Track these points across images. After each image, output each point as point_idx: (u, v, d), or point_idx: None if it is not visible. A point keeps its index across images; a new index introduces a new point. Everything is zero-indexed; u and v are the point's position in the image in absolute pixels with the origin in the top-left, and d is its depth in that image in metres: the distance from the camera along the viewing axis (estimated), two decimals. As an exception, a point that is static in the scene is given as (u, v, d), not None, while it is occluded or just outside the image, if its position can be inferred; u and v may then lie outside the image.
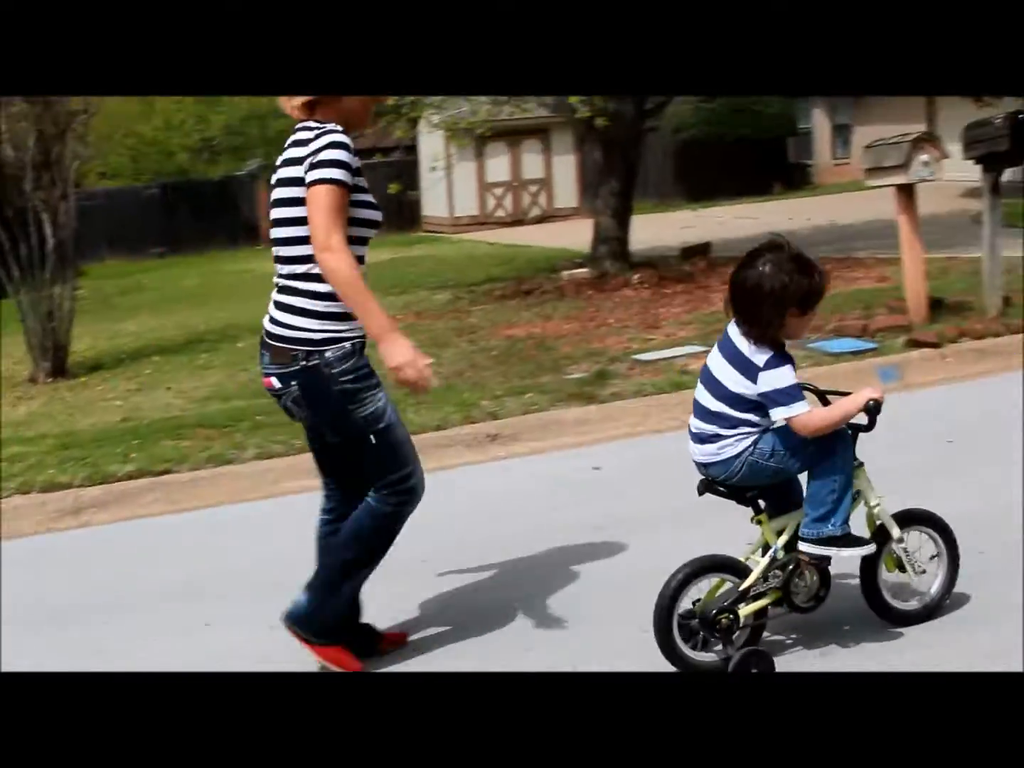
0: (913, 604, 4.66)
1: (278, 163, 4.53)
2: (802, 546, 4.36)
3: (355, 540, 4.66)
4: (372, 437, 4.53)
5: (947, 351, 9.25)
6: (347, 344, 4.46)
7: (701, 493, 4.56)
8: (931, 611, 4.67)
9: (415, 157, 33.23)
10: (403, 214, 34.43)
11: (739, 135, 34.29)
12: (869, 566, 4.56)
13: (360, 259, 4.46)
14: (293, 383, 4.46)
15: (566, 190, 35.46)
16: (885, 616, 4.62)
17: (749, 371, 4.25)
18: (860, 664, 4.34)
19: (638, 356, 10.10)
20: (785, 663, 4.41)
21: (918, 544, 4.65)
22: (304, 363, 4.41)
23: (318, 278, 4.40)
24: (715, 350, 4.43)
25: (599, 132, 16.13)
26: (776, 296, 4.17)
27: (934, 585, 4.68)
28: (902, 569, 4.57)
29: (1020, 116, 9.60)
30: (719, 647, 4.33)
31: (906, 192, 9.82)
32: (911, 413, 8.17)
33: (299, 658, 4.72)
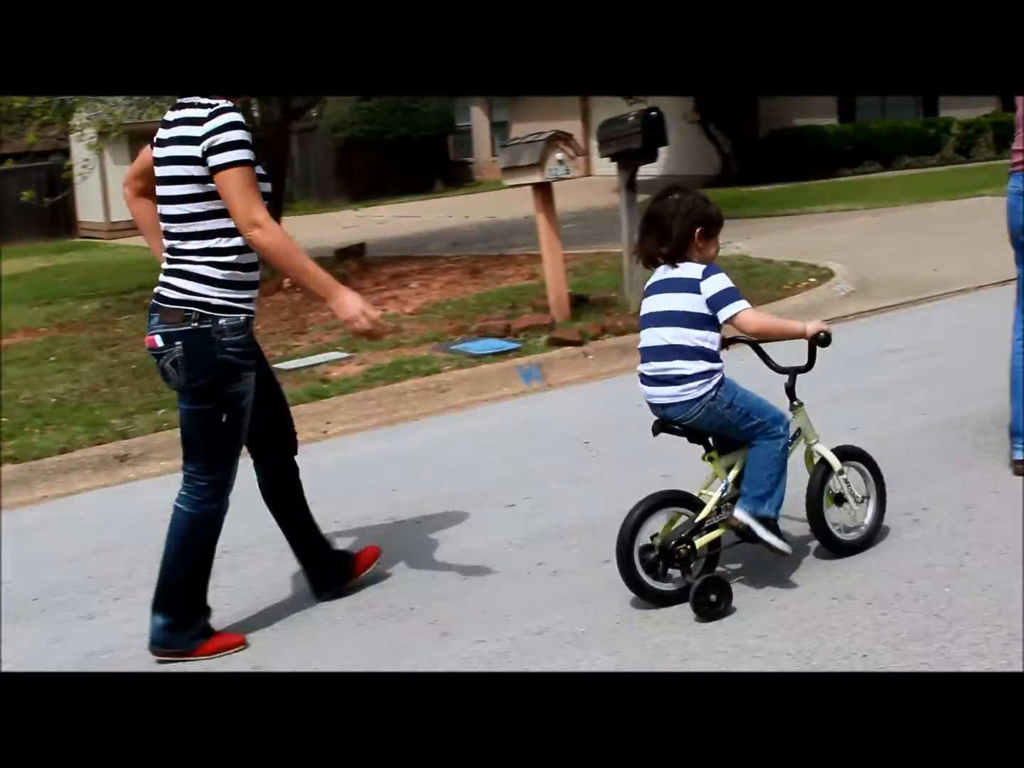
0: (853, 535, 5.02)
1: (163, 137, 4.55)
2: (737, 513, 4.68)
3: (182, 545, 4.72)
4: (225, 416, 4.59)
5: (589, 348, 9.24)
6: (241, 316, 4.54)
7: (656, 433, 4.86)
8: (867, 541, 5.02)
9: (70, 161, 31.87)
10: (57, 220, 33.05)
11: (399, 134, 34.19)
12: (815, 505, 4.90)
13: None
14: (178, 343, 4.48)
15: (226, 191, 34.69)
16: (830, 546, 4.97)
17: (691, 286, 4.63)
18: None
19: (279, 365, 9.71)
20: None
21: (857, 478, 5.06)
22: (196, 324, 4.45)
23: (219, 251, 4.49)
24: (648, 298, 4.81)
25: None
26: (684, 215, 4.67)
27: (867, 517, 5.06)
28: (839, 502, 4.96)
29: (652, 113, 9.70)
30: (678, 576, 4.66)
31: (543, 191, 9.79)
32: (551, 413, 8.13)
33: None
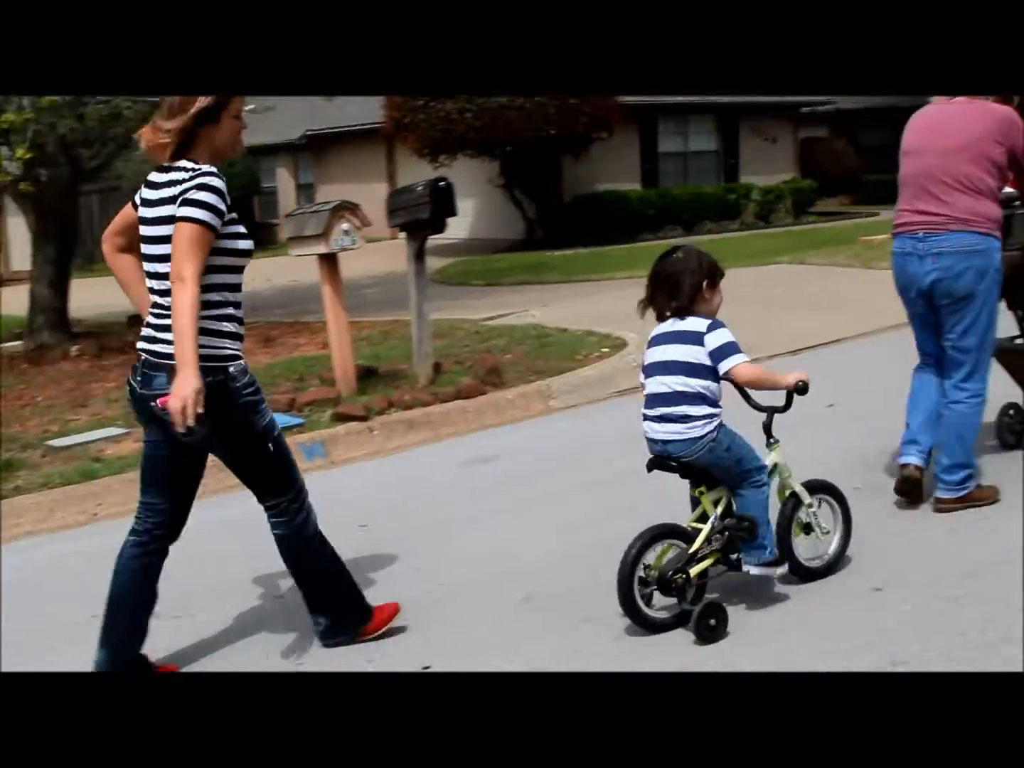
0: (816, 562, 5.43)
1: (150, 198, 4.73)
2: (752, 570, 5.14)
3: (301, 558, 5.05)
4: (271, 445, 4.84)
5: (375, 423, 9.01)
6: (242, 360, 4.77)
7: (650, 470, 5.19)
8: (831, 567, 5.46)
9: None
10: None
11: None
12: (784, 533, 5.27)
13: (237, 286, 4.82)
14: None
15: (24, 252, 33.62)
16: (796, 572, 5.35)
17: (695, 338, 4.99)
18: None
19: (53, 442, 9.28)
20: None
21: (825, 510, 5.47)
22: (210, 379, 4.54)
23: (217, 304, 4.68)
24: (651, 349, 5.14)
25: (32, 197, 15.17)
26: (692, 270, 5.06)
27: (832, 545, 5.50)
28: (807, 532, 5.37)
29: (440, 183, 9.56)
30: (673, 604, 5.01)
31: (328, 262, 9.57)
32: (331, 493, 7.84)
33: None
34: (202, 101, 4.61)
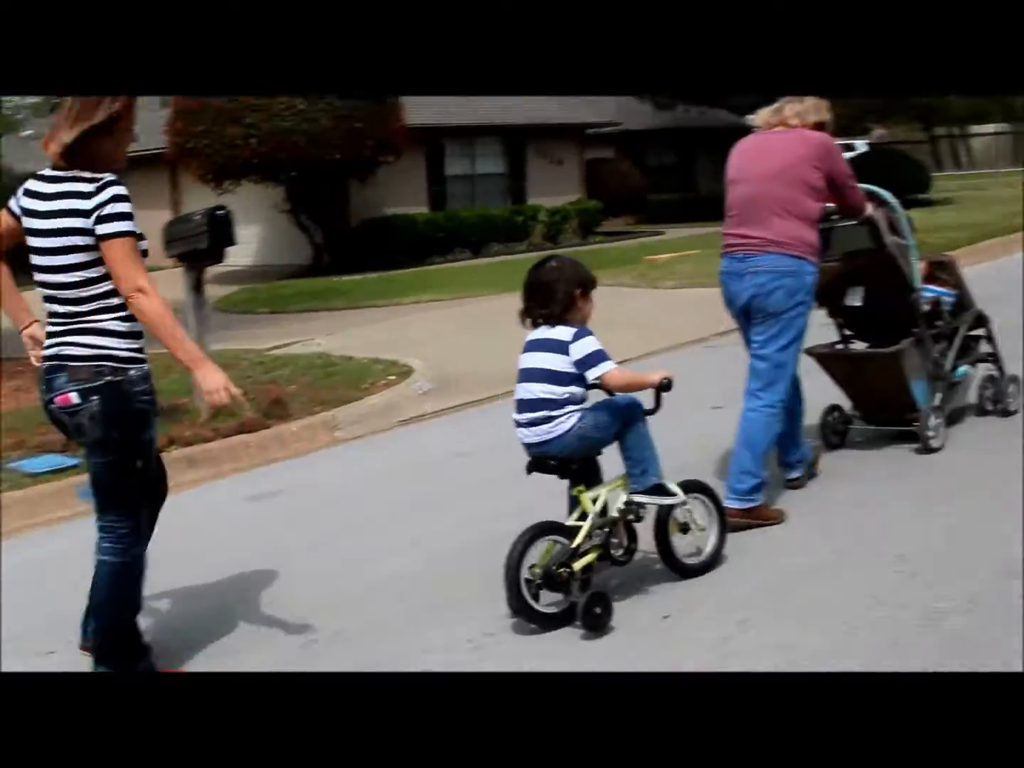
0: (694, 560, 5.63)
1: (39, 208, 4.70)
2: (637, 498, 5.33)
3: (118, 593, 4.93)
4: (140, 462, 4.84)
5: (154, 461, 8.71)
6: (145, 366, 4.80)
7: (530, 472, 5.37)
8: (710, 564, 5.66)
9: None
10: None
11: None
12: (662, 530, 5.50)
13: None
14: (94, 398, 4.66)
15: None
16: (677, 570, 5.58)
17: (560, 348, 5.19)
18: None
19: None
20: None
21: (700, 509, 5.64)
22: (109, 379, 4.64)
23: (119, 307, 4.67)
24: (524, 355, 5.33)
25: None
26: (566, 278, 5.30)
27: (709, 542, 5.67)
28: (684, 531, 5.53)
29: (218, 212, 9.35)
30: (560, 599, 5.17)
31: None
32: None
33: None
34: (106, 111, 4.63)
